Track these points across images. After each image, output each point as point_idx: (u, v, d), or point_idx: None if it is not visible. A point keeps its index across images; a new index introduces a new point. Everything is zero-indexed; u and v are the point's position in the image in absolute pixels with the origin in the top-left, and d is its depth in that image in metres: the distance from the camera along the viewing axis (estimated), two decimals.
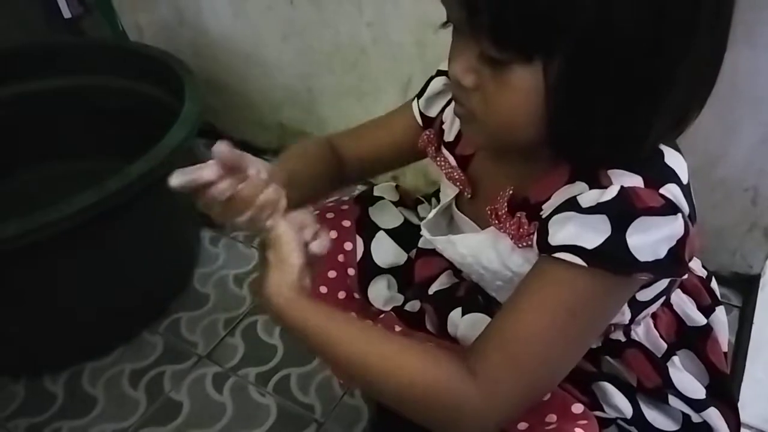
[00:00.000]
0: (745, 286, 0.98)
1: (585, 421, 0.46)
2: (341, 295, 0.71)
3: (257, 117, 1.33)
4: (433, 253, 0.63)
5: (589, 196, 0.43)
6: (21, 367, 0.97)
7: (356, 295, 0.70)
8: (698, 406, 0.52)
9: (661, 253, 0.42)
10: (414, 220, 0.71)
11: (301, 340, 0.47)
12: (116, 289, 0.94)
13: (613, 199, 0.42)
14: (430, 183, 1.15)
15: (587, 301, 0.44)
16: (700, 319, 0.57)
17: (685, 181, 0.45)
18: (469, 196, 0.57)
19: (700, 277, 0.62)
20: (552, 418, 0.48)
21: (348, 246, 0.69)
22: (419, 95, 0.64)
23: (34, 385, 0.95)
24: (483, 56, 0.42)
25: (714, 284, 0.62)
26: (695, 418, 0.52)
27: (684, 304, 0.58)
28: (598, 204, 0.42)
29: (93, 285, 0.90)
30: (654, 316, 0.56)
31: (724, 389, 0.54)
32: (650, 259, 0.42)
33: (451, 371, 0.45)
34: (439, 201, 0.61)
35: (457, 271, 0.63)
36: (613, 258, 0.42)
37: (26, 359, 0.97)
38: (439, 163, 0.60)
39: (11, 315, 0.88)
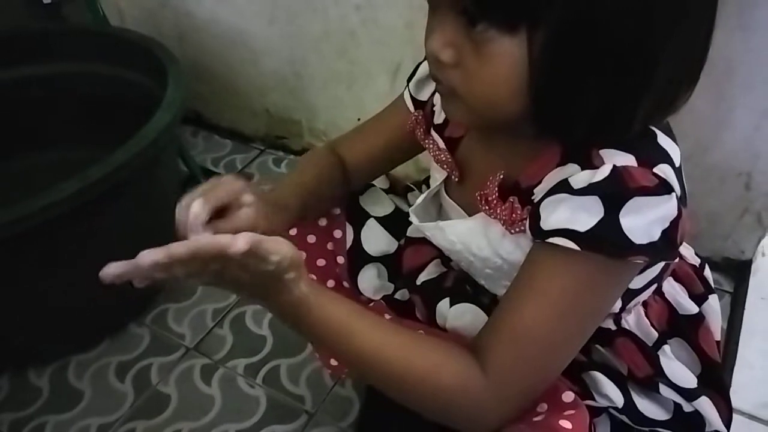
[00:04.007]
0: (737, 271, 0.97)
1: (573, 411, 0.46)
2: (330, 283, 0.71)
3: (244, 104, 1.31)
4: (422, 241, 0.62)
5: (580, 177, 0.42)
6: (5, 361, 0.96)
7: (345, 284, 0.70)
8: (689, 395, 0.51)
9: (655, 235, 0.41)
10: (405, 207, 0.70)
11: (314, 334, 0.45)
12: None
13: (606, 178, 0.41)
14: (421, 170, 1.14)
15: (585, 288, 0.43)
16: (693, 308, 0.56)
17: (677, 164, 0.44)
18: (457, 179, 0.56)
19: (693, 266, 0.61)
20: (543, 407, 0.47)
21: (337, 234, 0.68)
22: (410, 79, 0.62)
23: (18, 380, 0.93)
24: (463, 27, 0.40)
25: (707, 272, 0.61)
26: (686, 407, 0.51)
27: (676, 292, 0.57)
28: (590, 185, 0.41)
29: (77, 276, 0.88)
30: (645, 304, 0.55)
31: (715, 378, 0.54)
32: (645, 242, 0.41)
33: (462, 368, 0.45)
34: (429, 187, 0.60)
35: (445, 260, 0.62)
36: (607, 241, 0.41)
37: (10, 353, 0.95)
38: (427, 145, 0.59)
39: None
